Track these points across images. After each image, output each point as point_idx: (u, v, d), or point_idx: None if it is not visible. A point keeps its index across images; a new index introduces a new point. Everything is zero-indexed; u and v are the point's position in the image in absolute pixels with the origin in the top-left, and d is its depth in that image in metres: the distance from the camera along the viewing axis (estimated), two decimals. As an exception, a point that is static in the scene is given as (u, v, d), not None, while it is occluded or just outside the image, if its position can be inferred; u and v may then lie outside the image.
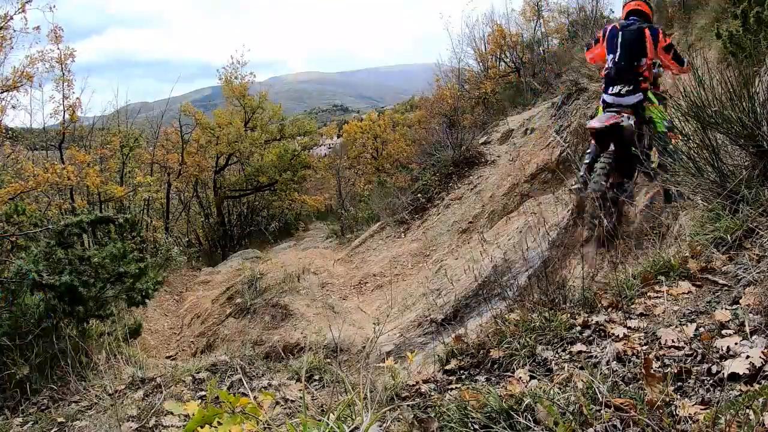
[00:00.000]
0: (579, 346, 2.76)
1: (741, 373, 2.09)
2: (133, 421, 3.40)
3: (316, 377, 4.00)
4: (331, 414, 2.30)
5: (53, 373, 4.95)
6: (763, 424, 1.74)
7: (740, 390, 2.02)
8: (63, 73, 15.54)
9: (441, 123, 18.68)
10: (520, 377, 2.59)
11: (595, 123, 5.93)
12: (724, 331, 2.46)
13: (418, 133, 23.22)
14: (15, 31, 14.01)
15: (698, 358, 2.32)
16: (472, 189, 13.07)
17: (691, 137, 4.08)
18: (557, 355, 2.74)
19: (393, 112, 38.22)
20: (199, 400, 3.27)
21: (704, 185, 4.01)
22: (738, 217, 3.44)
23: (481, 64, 23.05)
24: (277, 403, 3.29)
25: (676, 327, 2.64)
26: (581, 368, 2.45)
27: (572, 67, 16.24)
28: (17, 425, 4.09)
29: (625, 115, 5.82)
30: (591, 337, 2.85)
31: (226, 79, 21.84)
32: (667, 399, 2.01)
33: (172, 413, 3.35)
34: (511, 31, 22.18)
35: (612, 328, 2.83)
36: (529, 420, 2.06)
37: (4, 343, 4.91)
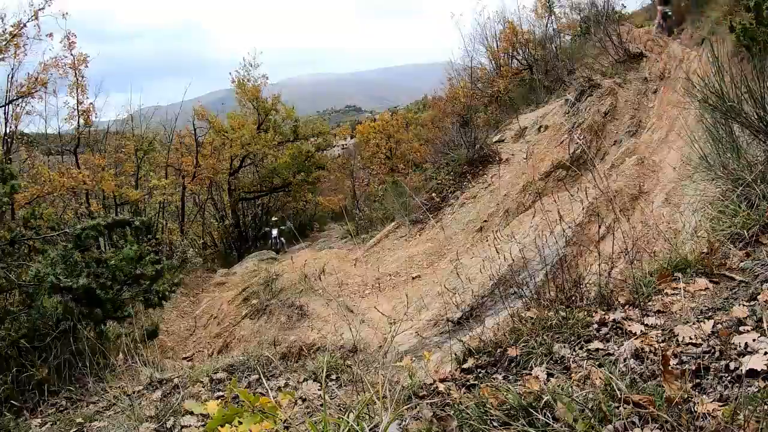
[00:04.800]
0: (596, 344, 2.75)
1: (759, 370, 2.08)
2: (151, 421, 3.44)
3: (333, 377, 4.02)
4: (350, 413, 2.32)
5: (71, 375, 5.02)
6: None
7: (759, 386, 2.02)
8: (77, 79, 15.66)
9: (454, 122, 18.64)
10: (538, 375, 2.59)
11: None
12: (741, 328, 2.45)
13: (432, 133, 23.17)
14: (29, 38, 14.18)
15: (716, 355, 2.32)
16: (486, 188, 13.05)
17: (710, 130, 4.07)
18: (574, 353, 2.74)
19: (406, 112, 38.12)
20: (218, 400, 3.31)
21: (721, 179, 4.00)
22: (755, 212, 3.42)
23: (493, 62, 22.96)
24: (295, 402, 3.32)
25: (694, 324, 2.63)
26: (599, 366, 2.45)
27: (585, 63, 16.18)
28: (36, 426, 4.15)
29: None
30: (608, 335, 2.84)
31: (238, 82, 21.84)
32: (686, 395, 2.01)
33: (190, 413, 3.38)
34: (523, 29, 22.09)
35: (629, 326, 2.82)
36: (549, 417, 2.06)
37: (23, 345, 4.99)
